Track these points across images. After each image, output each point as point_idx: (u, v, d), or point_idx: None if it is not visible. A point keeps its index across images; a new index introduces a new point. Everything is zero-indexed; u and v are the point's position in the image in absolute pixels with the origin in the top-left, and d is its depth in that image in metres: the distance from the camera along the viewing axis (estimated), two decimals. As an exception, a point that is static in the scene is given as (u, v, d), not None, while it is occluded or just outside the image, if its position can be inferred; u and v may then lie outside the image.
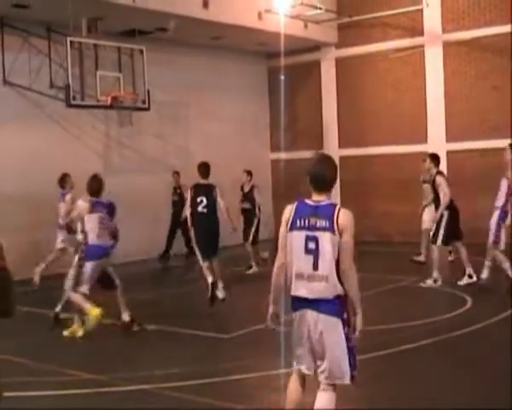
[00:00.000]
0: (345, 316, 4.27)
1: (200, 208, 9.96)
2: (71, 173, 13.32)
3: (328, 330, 4.25)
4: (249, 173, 13.26)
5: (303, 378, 4.51)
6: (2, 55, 12.55)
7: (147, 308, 9.95)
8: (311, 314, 4.29)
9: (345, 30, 16.71)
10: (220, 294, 9.77)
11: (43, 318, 8.61)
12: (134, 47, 12.48)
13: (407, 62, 16.11)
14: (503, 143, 14.21)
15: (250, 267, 12.72)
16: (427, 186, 12.00)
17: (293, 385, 4.52)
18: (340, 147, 17.19)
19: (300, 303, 4.34)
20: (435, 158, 11.83)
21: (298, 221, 4.27)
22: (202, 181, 10.23)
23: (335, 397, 4.38)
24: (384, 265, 11.35)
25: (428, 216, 12.00)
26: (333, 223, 4.18)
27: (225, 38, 15.30)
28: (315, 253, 4.19)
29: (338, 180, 15.70)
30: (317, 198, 4.32)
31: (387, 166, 16.16)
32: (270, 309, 4.58)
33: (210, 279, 9.66)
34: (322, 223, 4.19)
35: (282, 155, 17.84)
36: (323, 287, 4.21)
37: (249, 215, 13.00)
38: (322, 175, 4.31)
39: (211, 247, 9.89)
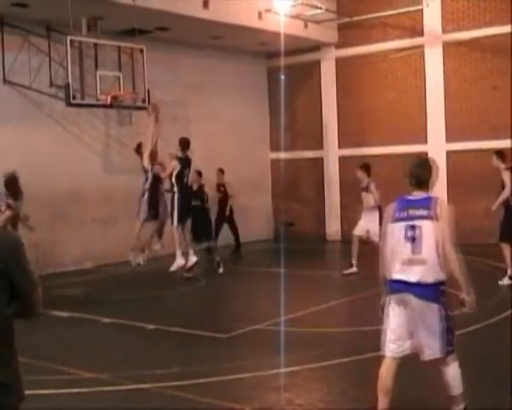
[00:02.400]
0: (443, 300, 4.68)
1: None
2: (70, 172, 13.37)
3: (425, 314, 4.65)
4: (199, 174, 13.37)
5: (395, 363, 4.93)
6: (1, 55, 12.52)
7: (147, 307, 9.96)
8: (408, 297, 4.66)
9: (345, 30, 16.70)
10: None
11: (45, 317, 8.61)
12: (134, 46, 12.47)
13: (407, 62, 16.10)
14: (502, 143, 14.26)
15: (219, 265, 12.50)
16: (364, 194, 11.97)
17: (386, 371, 4.96)
18: (339, 147, 17.18)
19: (400, 287, 4.73)
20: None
21: (398, 213, 4.78)
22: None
23: (457, 365, 4.86)
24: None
25: (363, 223, 11.87)
26: (431, 211, 4.66)
27: (225, 38, 15.29)
28: (414, 240, 4.65)
29: (338, 180, 15.72)
30: (416, 193, 4.86)
31: (387, 167, 16.14)
32: (382, 300, 5.07)
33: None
34: (421, 212, 4.69)
35: (282, 155, 17.83)
36: (423, 270, 4.62)
37: (201, 212, 12.79)
38: (418, 175, 4.92)
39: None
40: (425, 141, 15.89)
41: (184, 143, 11.81)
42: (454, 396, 4.79)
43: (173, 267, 11.35)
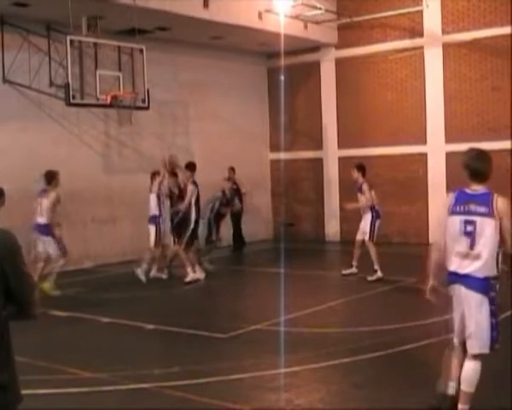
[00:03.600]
0: (492, 294, 4.78)
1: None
2: (70, 172, 13.36)
3: (474, 306, 4.76)
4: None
5: (461, 350, 4.97)
6: (1, 54, 12.53)
7: (146, 307, 9.96)
8: (460, 289, 4.80)
9: (345, 30, 16.71)
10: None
11: (44, 316, 8.60)
12: (134, 46, 12.46)
13: (407, 63, 16.11)
14: (502, 144, 14.27)
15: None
16: (359, 195, 11.62)
17: (454, 358, 5.01)
18: (339, 148, 17.19)
19: (454, 278, 4.84)
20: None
21: (457, 207, 4.81)
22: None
23: (480, 366, 4.87)
24: (383, 265, 11.34)
25: (361, 225, 11.61)
26: (492, 209, 4.70)
27: (225, 38, 15.29)
28: (472, 235, 4.71)
29: (337, 181, 15.68)
30: (475, 187, 4.84)
31: (387, 167, 16.17)
32: (430, 282, 4.99)
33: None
34: (481, 209, 4.72)
35: (282, 155, 17.84)
36: (477, 265, 4.72)
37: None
38: (479, 169, 4.87)
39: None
40: (424, 142, 15.90)
41: (195, 167, 11.83)
42: (464, 392, 4.85)
43: (187, 278, 11.49)
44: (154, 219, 11.80)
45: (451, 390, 4.98)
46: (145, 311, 9.60)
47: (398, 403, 5.58)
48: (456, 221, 4.78)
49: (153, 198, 11.86)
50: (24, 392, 3.03)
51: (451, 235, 4.81)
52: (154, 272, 11.94)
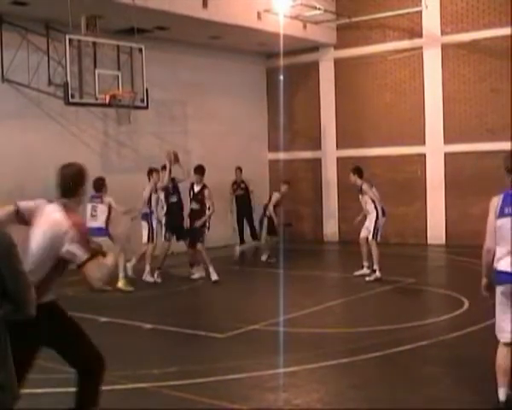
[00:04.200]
0: None
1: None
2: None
3: None
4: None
5: (509, 349, 5.09)
6: (0, 53, 12.52)
7: (144, 307, 9.95)
8: (510, 287, 4.91)
9: (344, 31, 16.71)
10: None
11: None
12: (133, 45, 12.46)
13: (406, 64, 16.12)
14: (501, 145, 14.28)
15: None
16: (361, 197, 11.52)
17: (501, 354, 5.13)
18: (337, 148, 17.19)
19: (504, 277, 4.94)
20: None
21: (506, 209, 4.90)
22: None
23: None
24: (381, 266, 11.34)
25: (365, 224, 11.52)
26: None
27: (224, 38, 15.29)
28: None
29: (336, 181, 15.57)
30: None
31: (385, 168, 16.18)
32: (484, 281, 5.17)
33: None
34: None
35: (280, 156, 17.84)
36: None
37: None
38: None
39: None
40: (423, 142, 15.91)
41: (204, 171, 11.83)
42: None
43: (214, 277, 11.58)
44: (146, 216, 11.92)
45: (502, 396, 5.10)
46: (143, 310, 9.59)
47: (398, 403, 5.58)
48: (507, 223, 4.88)
49: (146, 195, 11.97)
50: (22, 391, 3.03)
51: (502, 236, 4.91)
52: (145, 275, 11.91)
